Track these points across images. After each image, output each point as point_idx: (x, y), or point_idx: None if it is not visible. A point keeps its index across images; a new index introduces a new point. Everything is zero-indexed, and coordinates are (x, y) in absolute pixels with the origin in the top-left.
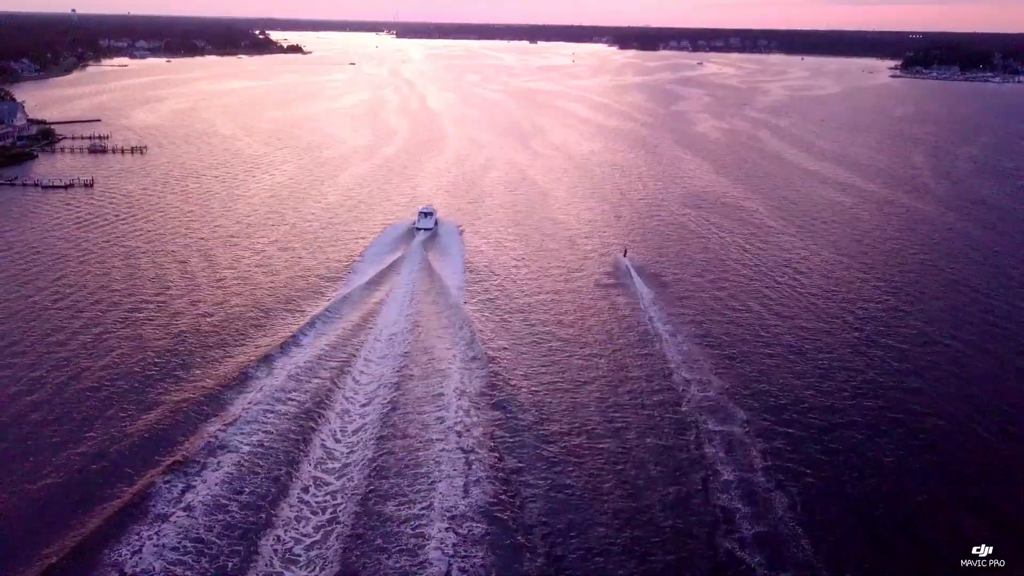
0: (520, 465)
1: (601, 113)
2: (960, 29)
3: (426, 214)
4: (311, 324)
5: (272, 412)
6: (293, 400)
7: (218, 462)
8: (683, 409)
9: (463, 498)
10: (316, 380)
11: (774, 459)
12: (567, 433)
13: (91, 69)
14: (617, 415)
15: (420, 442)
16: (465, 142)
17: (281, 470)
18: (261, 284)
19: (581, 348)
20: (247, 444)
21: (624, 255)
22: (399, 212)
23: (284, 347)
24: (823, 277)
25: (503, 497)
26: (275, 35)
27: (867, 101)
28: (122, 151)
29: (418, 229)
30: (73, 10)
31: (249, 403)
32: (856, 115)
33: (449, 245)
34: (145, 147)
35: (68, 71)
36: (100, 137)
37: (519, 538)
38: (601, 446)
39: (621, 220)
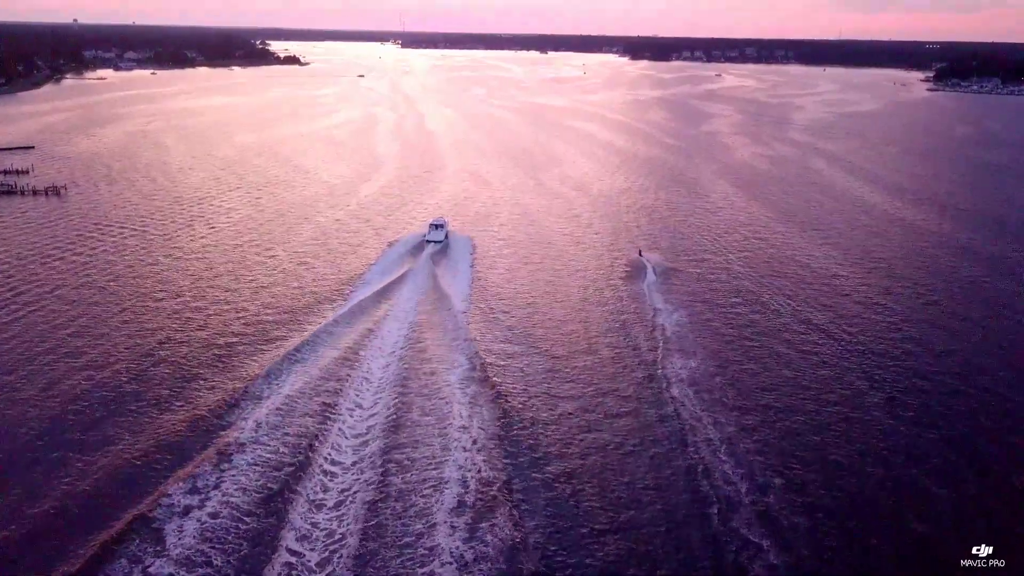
0: (524, 486)
1: (622, 135)
2: (978, 39)
3: (437, 226)
4: (314, 337)
5: (273, 428)
6: (292, 418)
7: (223, 477)
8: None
9: (465, 515)
10: (316, 397)
11: (774, 458)
12: (572, 459)
13: (68, 82)
14: (629, 454)
15: (423, 456)
16: (465, 176)
17: (285, 484)
18: (258, 297)
19: (590, 376)
20: (252, 459)
21: (659, 330)
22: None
23: (285, 363)
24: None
25: (506, 513)
26: (276, 45)
27: (917, 119)
28: (34, 192)
29: (428, 242)
30: (75, 20)
31: (251, 420)
32: (917, 137)
33: (459, 259)
34: (64, 187)
35: (38, 85)
36: (16, 172)
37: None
38: (610, 474)
39: (664, 292)
